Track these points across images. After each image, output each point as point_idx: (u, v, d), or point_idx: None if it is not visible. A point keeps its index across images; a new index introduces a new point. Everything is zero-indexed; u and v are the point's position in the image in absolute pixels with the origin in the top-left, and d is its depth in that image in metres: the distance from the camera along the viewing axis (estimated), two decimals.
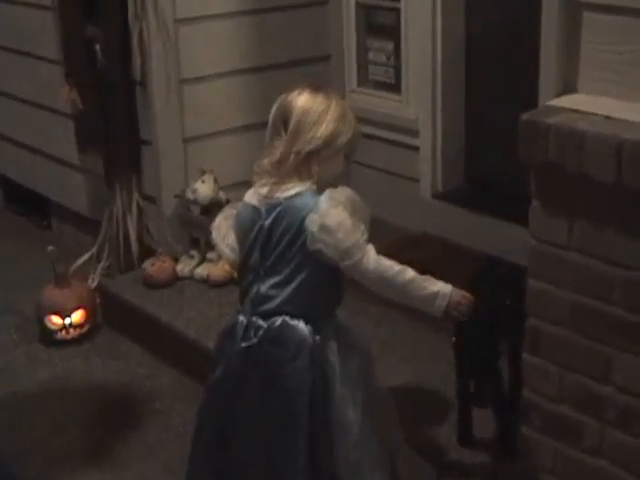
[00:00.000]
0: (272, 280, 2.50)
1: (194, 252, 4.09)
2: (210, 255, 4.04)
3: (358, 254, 2.41)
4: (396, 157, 4.35)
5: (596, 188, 2.36)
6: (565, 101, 2.50)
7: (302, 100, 2.47)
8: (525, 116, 2.46)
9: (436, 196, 4.26)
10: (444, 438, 3.01)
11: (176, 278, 4.05)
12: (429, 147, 4.19)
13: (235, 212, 2.62)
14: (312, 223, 2.40)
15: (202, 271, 4.03)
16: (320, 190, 2.45)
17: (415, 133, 4.23)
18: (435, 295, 2.47)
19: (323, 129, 2.44)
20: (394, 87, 4.34)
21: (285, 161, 2.45)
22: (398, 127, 4.28)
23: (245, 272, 2.59)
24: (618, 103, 2.44)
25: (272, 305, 2.51)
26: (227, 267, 3.98)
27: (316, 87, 2.52)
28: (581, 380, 2.56)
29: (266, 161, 2.50)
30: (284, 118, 2.48)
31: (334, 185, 2.48)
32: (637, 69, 2.43)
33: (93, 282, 4.31)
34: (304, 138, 2.44)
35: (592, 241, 2.44)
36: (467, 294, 2.53)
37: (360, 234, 2.41)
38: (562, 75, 2.54)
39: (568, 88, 2.55)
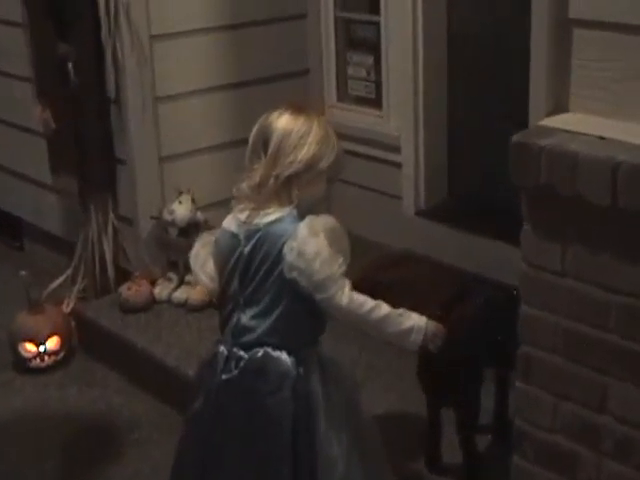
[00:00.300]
0: (252, 310, 2.42)
1: (172, 275, 3.98)
2: (188, 278, 3.93)
3: (332, 288, 2.33)
4: (377, 174, 4.26)
5: (590, 211, 2.27)
6: (556, 121, 2.41)
7: (283, 122, 2.37)
8: (516, 137, 2.37)
9: (419, 213, 4.19)
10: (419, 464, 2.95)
11: (153, 302, 3.94)
12: (412, 163, 4.11)
13: (213, 239, 2.53)
14: (289, 251, 2.32)
15: (180, 295, 3.92)
16: (301, 215, 2.37)
17: (397, 149, 4.16)
18: (410, 330, 2.42)
19: (304, 152, 2.35)
20: (375, 102, 4.27)
21: (264, 185, 2.36)
22: (379, 143, 4.20)
23: (225, 301, 2.50)
24: (610, 122, 2.35)
25: (253, 336, 2.43)
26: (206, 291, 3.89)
27: (298, 107, 2.42)
28: (576, 409, 2.47)
29: (245, 185, 2.41)
30: (264, 140, 2.39)
31: (316, 209, 2.40)
32: (627, 87, 2.34)
33: (68, 306, 4.19)
34: (284, 162, 2.35)
35: (587, 266, 2.35)
36: (441, 326, 2.48)
37: (337, 267, 2.33)
38: (552, 93, 2.46)
39: (559, 107, 2.46)
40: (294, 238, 2.31)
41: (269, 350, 2.42)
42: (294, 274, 2.32)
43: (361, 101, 4.33)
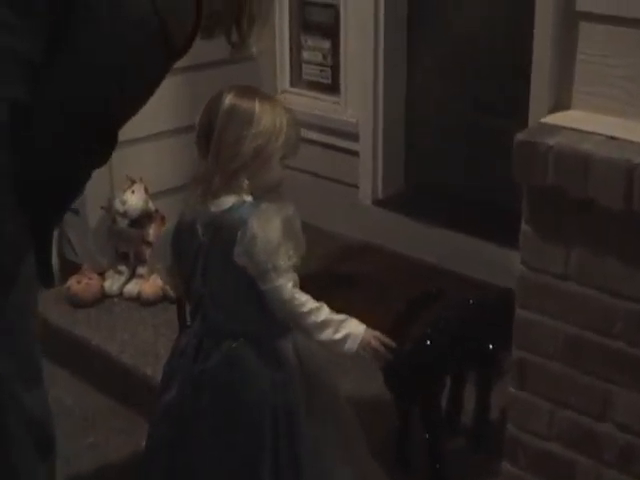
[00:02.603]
0: (219, 301, 2.33)
1: (122, 267, 3.80)
2: (140, 270, 3.76)
3: (276, 280, 2.23)
4: (333, 162, 4.15)
5: (600, 214, 2.19)
6: (561, 118, 2.32)
7: (223, 111, 2.25)
8: (520, 135, 2.26)
9: (376, 202, 4.09)
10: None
11: (103, 296, 3.75)
12: (369, 152, 4.01)
13: (172, 229, 2.42)
14: (240, 238, 2.23)
15: (132, 288, 3.74)
16: (257, 200, 2.28)
17: (353, 137, 4.05)
18: (346, 337, 2.31)
19: (247, 144, 2.23)
20: (331, 88, 4.15)
21: (211, 179, 2.26)
22: (336, 130, 4.08)
23: (189, 293, 2.41)
24: (620, 121, 2.27)
25: (223, 327, 2.34)
26: (159, 283, 3.72)
27: (243, 91, 2.29)
28: (575, 417, 2.40)
29: (197, 176, 2.32)
30: (206, 133, 2.28)
31: (272, 194, 2.31)
32: (637, 85, 2.26)
33: None
34: (227, 155, 2.24)
35: (592, 270, 2.27)
36: (378, 334, 2.37)
37: (285, 258, 2.23)
38: (555, 90, 2.36)
39: (560, 104, 2.37)
40: (246, 225, 2.22)
41: (242, 341, 2.32)
42: (242, 260, 2.23)
43: (316, 86, 4.20)
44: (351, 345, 2.31)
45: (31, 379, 2.06)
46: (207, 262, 2.30)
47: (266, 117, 2.25)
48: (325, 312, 2.29)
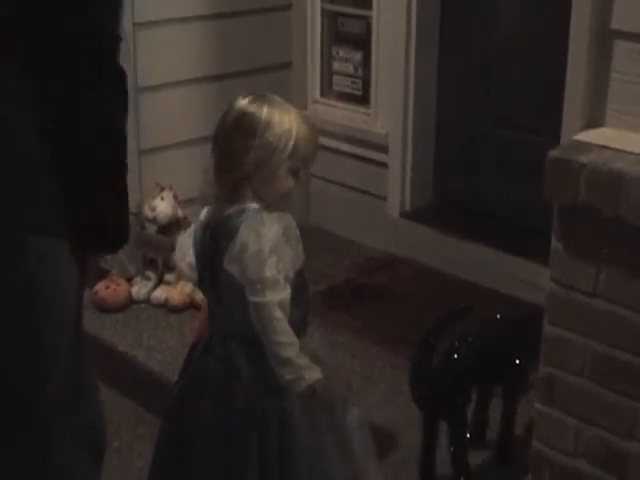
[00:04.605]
0: (223, 301, 2.34)
1: (150, 273, 3.82)
2: (168, 277, 3.78)
3: (260, 294, 2.21)
4: (362, 173, 4.16)
5: (630, 233, 2.19)
6: (593, 136, 2.32)
7: (230, 120, 2.24)
8: (553, 152, 2.26)
9: (404, 215, 4.09)
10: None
11: (131, 302, 3.77)
12: (398, 164, 4.02)
13: (193, 231, 2.43)
14: (233, 244, 2.22)
15: (160, 294, 3.76)
16: (263, 207, 2.26)
17: (383, 148, 4.05)
18: (296, 379, 2.27)
19: (250, 155, 2.20)
20: (361, 99, 4.16)
21: (218, 186, 2.27)
22: (365, 142, 4.10)
23: (204, 291, 2.44)
24: None
25: (227, 327, 2.36)
26: (187, 290, 3.74)
27: (253, 99, 2.25)
28: (602, 434, 2.39)
29: (208, 179, 2.32)
30: (216, 134, 2.29)
31: (279, 204, 2.28)
32: None
33: None
34: (230, 166, 2.23)
35: (621, 288, 2.26)
36: (325, 385, 2.31)
37: (274, 271, 2.19)
38: (588, 107, 2.36)
39: (594, 121, 2.37)
40: (241, 232, 2.22)
41: (243, 342, 2.33)
42: (231, 267, 2.23)
43: (346, 97, 4.21)
44: (298, 388, 2.28)
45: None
46: (213, 264, 2.31)
47: (273, 128, 2.21)
48: (293, 351, 2.25)
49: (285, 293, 2.23)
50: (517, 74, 3.78)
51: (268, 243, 2.19)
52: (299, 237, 2.29)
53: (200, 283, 2.42)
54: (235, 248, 2.21)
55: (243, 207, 2.24)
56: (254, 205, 2.24)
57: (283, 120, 2.22)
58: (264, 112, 2.22)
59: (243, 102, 2.24)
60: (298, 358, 2.27)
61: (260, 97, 2.27)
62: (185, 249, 2.44)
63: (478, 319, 2.83)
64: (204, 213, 2.36)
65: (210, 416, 2.38)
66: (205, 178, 2.33)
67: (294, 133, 2.22)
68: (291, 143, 2.22)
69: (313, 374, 2.29)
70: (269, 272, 2.19)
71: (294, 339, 2.26)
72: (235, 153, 2.22)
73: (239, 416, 2.34)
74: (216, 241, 2.29)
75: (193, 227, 2.44)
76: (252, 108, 2.23)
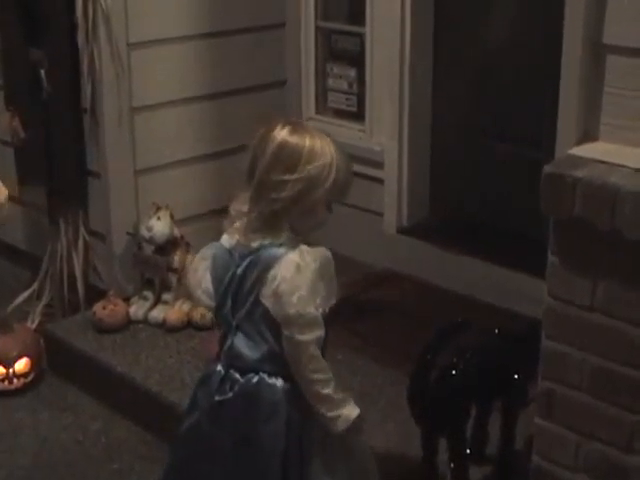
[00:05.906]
0: (245, 334, 2.30)
1: (147, 293, 3.81)
2: (165, 297, 3.77)
3: (299, 333, 2.19)
4: (358, 189, 4.10)
5: (627, 247, 2.19)
6: (588, 150, 2.33)
7: (271, 149, 2.18)
8: (548, 167, 2.27)
9: (400, 231, 4.09)
10: None
11: (129, 322, 3.77)
12: (394, 180, 4.02)
13: (211, 253, 2.37)
14: (271, 278, 2.19)
15: (157, 314, 3.75)
16: (297, 240, 2.22)
17: (378, 165, 4.05)
18: (337, 418, 2.27)
19: (289, 189, 2.16)
20: (356, 116, 4.16)
21: (251, 216, 2.23)
22: (361, 158, 4.05)
23: (220, 319, 2.38)
24: None
25: (247, 361, 2.31)
26: (184, 310, 3.74)
27: (293, 128, 2.20)
28: (602, 448, 2.39)
29: (239, 206, 2.28)
30: (251, 168, 2.22)
31: (313, 236, 2.26)
32: None
33: (33, 323, 4.01)
34: (267, 198, 2.18)
35: (618, 302, 2.27)
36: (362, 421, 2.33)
37: (312, 308, 2.18)
38: (582, 122, 2.36)
39: (587, 136, 2.38)
40: (279, 267, 2.18)
41: (264, 377, 2.30)
42: (268, 302, 2.21)
43: (341, 114, 4.21)
44: (341, 426, 2.28)
45: None
46: (238, 294, 2.28)
47: (313, 162, 2.16)
48: (331, 387, 2.25)
49: (322, 331, 2.22)
50: (512, 89, 3.78)
51: (308, 279, 2.16)
52: (334, 273, 2.25)
53: (218, 310, 2.36)
54: (274, 282, 2.18)
55: (279, 239, 2.20)
56: (290, 236, 2.21)
57: (325, 152, 2.18)
58: (307, 144, 2.17)
59: (283, 132, 2.18)
60: (336, 394, 2.27)
61: (300, 126, 2.23)
62: (200, 274, 2.38)
63: (477, 334, 2.83)
64: (226, 238, 2.32)
65: (229, 453, 2.35)
66: (234, 207, 2.29)
67: (334, 166, 2.19)
68: (332, 177, 2.18)
69: (353, 410, 2.29)
70: (309, 309, 2.17)
71: (330, 375, 2.25)
72: (274, 185, 2.17)
73: (261, 454, 2.31)
74: (245, 270, 2.25)
75: (208, 251, 2.38)
76: (293, 139, 2.18)
